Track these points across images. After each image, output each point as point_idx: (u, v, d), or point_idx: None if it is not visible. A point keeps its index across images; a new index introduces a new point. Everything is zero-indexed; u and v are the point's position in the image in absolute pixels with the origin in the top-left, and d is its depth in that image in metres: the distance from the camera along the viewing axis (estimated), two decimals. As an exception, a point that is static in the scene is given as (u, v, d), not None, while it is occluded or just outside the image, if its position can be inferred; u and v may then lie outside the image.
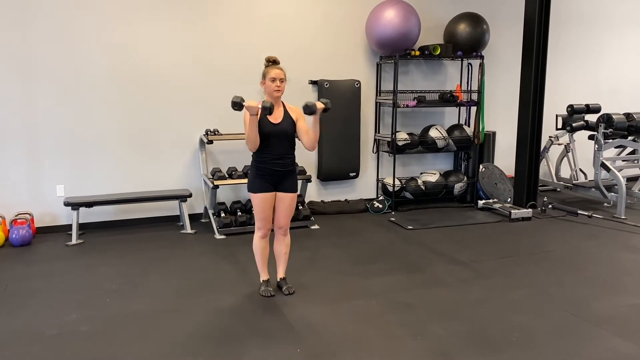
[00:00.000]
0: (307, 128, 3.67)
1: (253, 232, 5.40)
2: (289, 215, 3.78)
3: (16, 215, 5.23)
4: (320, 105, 3.54)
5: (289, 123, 3.64)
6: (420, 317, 3.46)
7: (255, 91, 5.88)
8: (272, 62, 3.62)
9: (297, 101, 6.02)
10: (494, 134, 6.93)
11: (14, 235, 5.00)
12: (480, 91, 6.56)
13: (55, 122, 5.32)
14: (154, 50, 5.56)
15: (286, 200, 3.72)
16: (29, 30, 5.12)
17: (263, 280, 3.84)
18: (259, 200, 3.65)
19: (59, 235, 5.33)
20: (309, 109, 3.51)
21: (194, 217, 5.82)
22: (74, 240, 5.09)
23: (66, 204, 5.17)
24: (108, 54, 5.41)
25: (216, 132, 5.62)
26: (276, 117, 3.60)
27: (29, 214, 5.29)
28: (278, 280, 3.86)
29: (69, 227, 5.27)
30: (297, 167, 3.84)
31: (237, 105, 3.49)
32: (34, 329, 3.29)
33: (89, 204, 5.25)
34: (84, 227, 5.45)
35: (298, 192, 3.88)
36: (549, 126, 7.06)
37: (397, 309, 3.60)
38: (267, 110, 3.42)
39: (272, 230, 3.81)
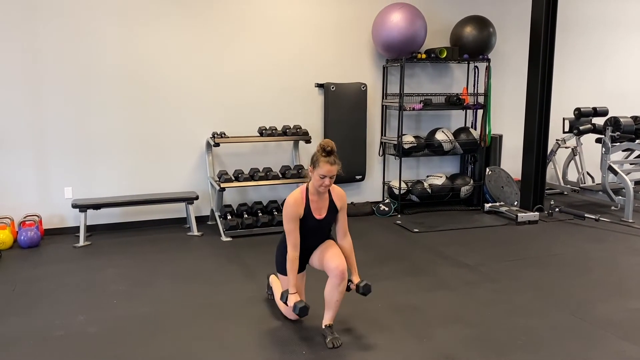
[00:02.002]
0: (345, 226, 3.33)
1: (259, 234, 5.44)
2: (338, 253, 3.22)
3: (24, 217, 5.28)
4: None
5: (333, 215, 3.27)
6: (426, 320, 3.46)
7: (259, 93, 5.96)
8: (327, 152, 3.06)
9: (300, 106, 6.13)
10: (500, 137, 6.92)
11: (22, 237, 5.03)
12: (486, 94, 6.55)
13: (63, 125, 5.36)
14: (161, 54, 5.59)
15: (327, 244, 3.30)
16: (36, 34, 5.17)
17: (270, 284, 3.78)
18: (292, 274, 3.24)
19: (66, 237, 5.37)
20: (364, 294, 3.26)
21: (200, 220, 5.84)
22: (81, 242, 5.12)
23: (74, 206, 5.20)
24: (115, 58, 5.45)
25: (223, 135, 5.65)
26: (320, 210, 3.21)
27: (37, 216, 5.34)
28: (323, 327, 3.21)
29: (77, 229, 5.30)
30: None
31: (283, 298, 3.23)
32: (42, 330, 3.31)
33: (97, 206, 5.28)
34: (91, 229, 5.49)
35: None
36: (555, 129, 7.04)
37: (403, 311, 3.60)
38: (297, 311, 3.13)
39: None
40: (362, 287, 3.24)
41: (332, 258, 3.17)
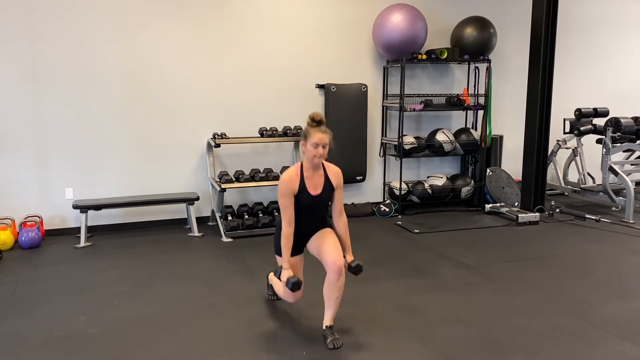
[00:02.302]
0: (341, 204, 3.33)
1: (260, 235, 5.44)
2: (336, 246, 3.19)
3: (25, 218, 5.29)
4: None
5: (329, 193, 3.25)
6: (427, 321, 3.46)
7: (260, 94, 5.96)
8: (317, 122, 3.10)
9: (300, 106, 6.13)
10: (501, 137, 6.92)
11: (23, 238, 5.04)
12: (487, 95, 6.55)
13: (64, 126, 5.37)
14: (162, 55, 5.60)
15: (325, 234, 3.27)
16: (37, 35, 5.18)
17: (270, 284, 3.80)
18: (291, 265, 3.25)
19: (67, 237, 5.37)
20: (355, 273, 3.26)
21: (201, 220, 5.85)
22: (82, 243, 5.13)
23: (75, 207, 5.21)
24: (116, 58, 5.45)
25: (223, 136, 5.65)
26: (316, 187, 3.19)
27: (38, 217, 5.34)
28: (323, 327, 3.20)
29: (78, 229, 5.31)
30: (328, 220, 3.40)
31: (277, 274, 3.25)
32: (43, 331, 3.31)
33: (98, 207, 5.29)
34: (92, 230, 5.49)
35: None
36: (556, 130, 7.04)
37: (404, 312, 3.60)
38: (289, 285, 3.13)
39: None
40: (353, 267, 3.24)
41: (329, 252, 3.15)
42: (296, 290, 3.15)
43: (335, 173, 3.28)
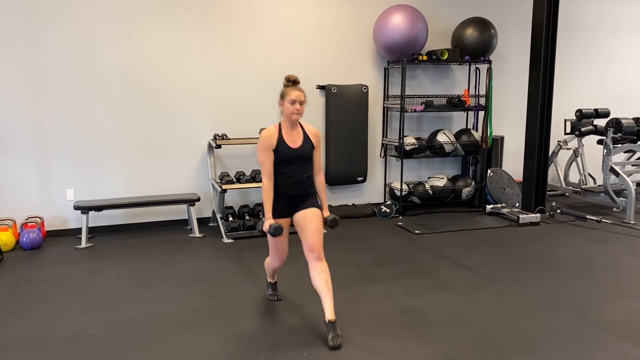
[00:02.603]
0: (319, 163, 3.48)
1: (261, 236, 5.43)
2: (318, 232, 3.31)
3: (27, 219, 5.29)
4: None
5: (309, 147, 3.39)
6: (427, 322, 3.46)
7: (261, 94, 5.97)
8: (292, 82, 3.35)
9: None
10: (502, 138, 6.92)
11: (24, 239, 5.05)
12: (488, 96, 6.55)
13: (65, 127, 5.38)
14: (163, 56, 5.61)
15: (310, 216, 3.33)
16: (37, 35, 5.19)
17: (270, 283, 3.84)
18: (277, 239, 3.38)
19: (68, 238, 5.38)
20: (331, 227, 3.41)
21: (202, 221, 5.85)
22: (83, 244, 5.14)
23: (76, 208, 5.21)
24: (117, 59, 5.46)
25: (224, 137, 5.66)
26: (295, 141, 3.34)
27: (39, 218, 5.35)
28: (325, 322, 3.17)
29: (79, 230, 5.32)
30: (314, 189, 3.49)
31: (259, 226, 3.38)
32: (44, 332, 3.32)
33: (99, 208, 5.29)
34: (93, 231, 5.50)
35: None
36: (557, 131, 7.04)
37: (404, 313, 3.60)
38: (271, 232, 3.24)
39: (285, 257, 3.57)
40: (330, 220, 3.38)
41: (309, 236, 3.29)
42: (277, 235, 3.26)
43: (313, 132, 3.46)
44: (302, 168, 3.38)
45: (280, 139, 3.33)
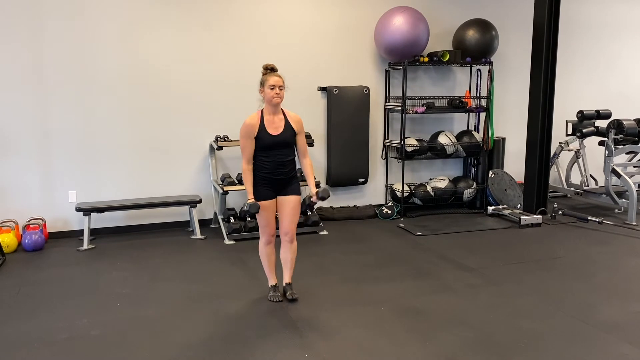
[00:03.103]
0: (304, 147, 3.73)
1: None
2: (294, 220, 3.72)
3: (29, 221, 5.31)
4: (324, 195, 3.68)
5: (290, 134, 3.62)
6: (429, 323, 3.46)
7: (261, 98, 5.96)
8: (270, 69, 3.60)
9: (302, 109, 6.12)
10: (503, 139, 6.92)
11: (26, 240, 5.06)
12: (489, 97, 6.55)
13: (68, 129, 5.39)
14: (165, 58, 5.62)
15: (289, 204, 3.66)
16: (41, 38, 5.21)
17: (271, 286, 3.85)
18: (265, 212, 3.63)
19: (70, 240, 5.39)
20: (323, 198, 3.65)
21: (203, 223, 5.85)
22: (85, 246, 5.15)
23: (78, 210, 5.22)
24: (119, 62, 5.48)
25: (226, 139, 5.67)
26: (276, 128, 3.57)
27: (42, 220, 5.36)
28: (284, 285, 3.83)
29: (81, 232, 5.33)
30: (297, 172, 3.79)
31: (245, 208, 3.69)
32: (46, 333, 3.33)
33: (100, 210, 5.30)
34: (95, 233, 5.51)
35: (300, 195, 3.82)
36: (558, 132, 7.04)
37: (406, 314, 3.60)
38: (247, 209, 3.54)
39: (278, 236, 3.82)
40: (320, 192, 3.64)
41: (286, 222, 3.68)
42: (254, 212, 3.52)
43: (295, 119, 3.67)
44: (283, 153, 3.59)
45: (262, 126, 3.53)
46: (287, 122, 3.62)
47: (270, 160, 3.56)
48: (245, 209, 3.60)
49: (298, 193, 3.71)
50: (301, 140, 3.69)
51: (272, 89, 3.51)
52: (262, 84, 3.57)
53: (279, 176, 3.60)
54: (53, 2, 5.19)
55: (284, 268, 3.84)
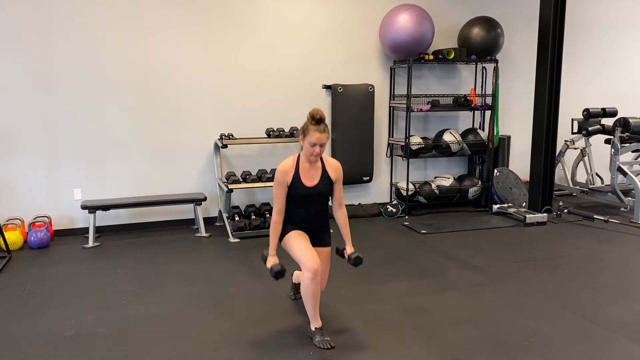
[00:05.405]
0: (341, 197, 3.35)
1: (267, 235, 5.44)
2: (326, 272, 3.34)
3: (35, 219, 5.33)
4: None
5: (327, 185, 3.25)
6: (434, 322, 3.46)
7: (267, 94, 5.98)
8: (316, 120, 3.08)
9: (307, 107, 6.08)
10: (508, 138, 6.90)
11: (32, 238, 5.08)
12: (494, 95, 6.53)
13: (74, 127, 5.41)
14: (170, 57, 5.63)
15: (321, 256, 3.25)
16: (48, 37, 5.22)
17: (316, 328, 3.19)
18: (295, 235, 3.22)
19: (76, 238, 5.41)
20: (355, 265, 3.33)
21: (208, 221, 5.86)
22: (90, 243, 5.16)
23: (83, 208, 5.24)
24: (125, 61, 5.48)
25: (230, 137, 5.67)
26: (312, 178, 3.20)
27: (47, 217, 5.38)
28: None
29: (86, 230, 5.35)
30: (329, 222, 3.42)
31: (263, 258, 3.30)
32: (51, 330, 3.34)
33: (106, 207, 5.32)
34: (100, 230, 5.53)
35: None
36: (564, 130, 7.01)
37: (411, 313, 3.60)
38: (273, 275, 3.16)
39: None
40: (353, 259, 3.31)
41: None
42: (279, 278, 3.18)
43: (334, 167, 3.30)
44: (318, 206, 3.28)
45: (297, 175, 3.18)
46: (324, 172, 3.24)
47: (303, 211, 3.24)
48: (266, 266, 3.24)
49: (329, 244, 3.37)
50: (338, 190, 3.31)
51: (312, 146, 3.08)
52: (304, 132, 3.10)
53: (310, 226, 3.29)
54: (60, 2, 5.20)
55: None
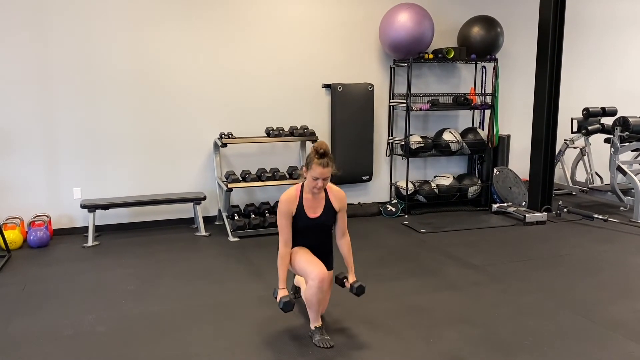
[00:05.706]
0: (344, 226, 3.32)
1: (266, 235, 5.45)
2: (327, 297, 3.36)
3: (34, 218, 5.33)
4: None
5: (330, 216, 3.24)
6: (433, 321, 3.46)
7: (266, 93, 5.97)
8: (320, 154, 3.05)
9: (307, 106, 6.15)
10: (508, 137, 6.90)
11: (31, 237, 5.08)
12: (494, 94, 6.53)
13: (73, 126, 5.41)
14: (170, 56, 5.62)
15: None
16: (47, 35, 5.21)
17: (316, 327, 3.21)
18: (300, 249, 3.22)
19: (75, 237, 5.41)
20: (357, 295, 3.29)
21: (208, 220, 5.87)
22: (90, 242, 5.16)
23: (82, 207, 5.24)
24: (125, 60, 5.48)
25: (230, 136, 5.67)
26: (315, 209, 3.19)
27: (47, 216, 5.38)
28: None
29: (86, 229, 5.34)
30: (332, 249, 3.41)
31: (275, 294, 3.22)
32: (51, 329, 3.34)
33: (105, 207, 5.32)
34: (100, 229, 5.53)
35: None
36: (564, 129, 7.01)
37: (410, 312, 3.60)
38: (281, 305, 3.11)
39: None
40: (356, 288, 3.26)
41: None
42: (288, 311, 3.13)
43: (338, 197, 3.26)
44: (321, 235, 3.28)
45: (300, 206, 3.17)
46: (327, 202, 3.22)
47: (306, 241, 3.26)
48: (276, 300, 3.17)
49: (332, 268, 3.38)
50: (341, 219, 3.29)
51: (315, 179, 3.07)
52: (308, 165, 3.10)
53: (313, 252, 3.27)
54: (60, 2, 5.20)
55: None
